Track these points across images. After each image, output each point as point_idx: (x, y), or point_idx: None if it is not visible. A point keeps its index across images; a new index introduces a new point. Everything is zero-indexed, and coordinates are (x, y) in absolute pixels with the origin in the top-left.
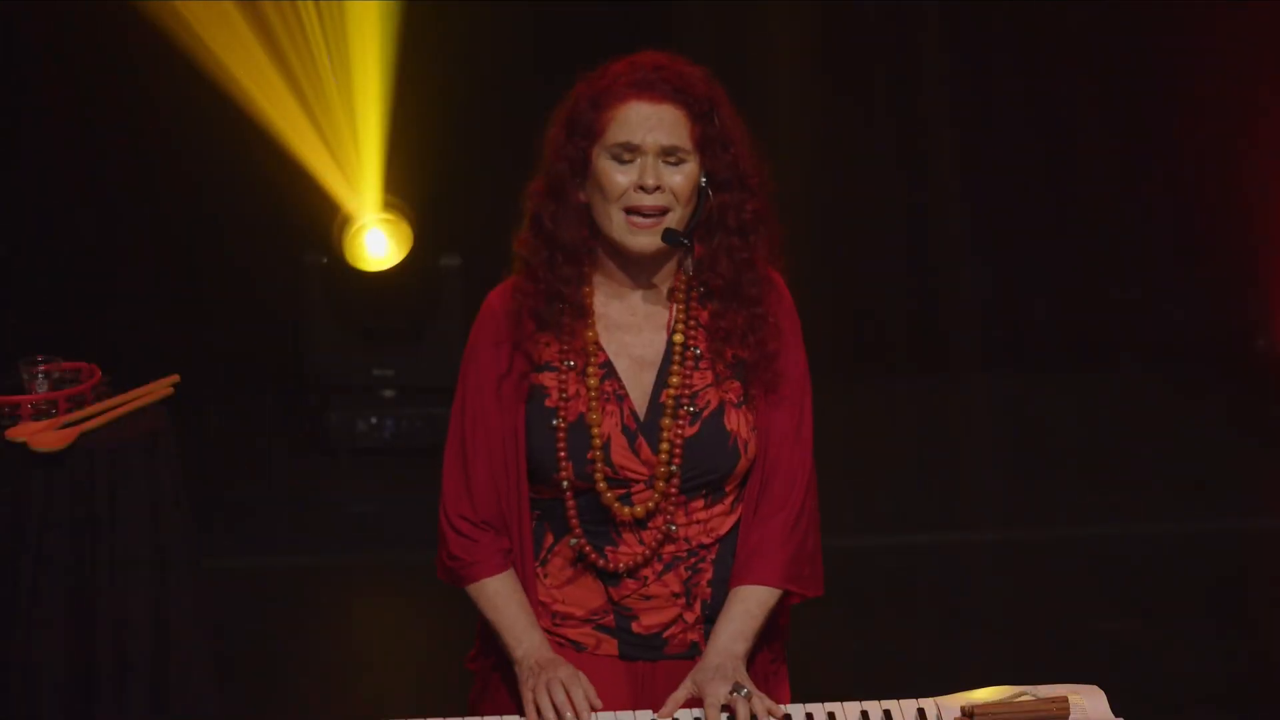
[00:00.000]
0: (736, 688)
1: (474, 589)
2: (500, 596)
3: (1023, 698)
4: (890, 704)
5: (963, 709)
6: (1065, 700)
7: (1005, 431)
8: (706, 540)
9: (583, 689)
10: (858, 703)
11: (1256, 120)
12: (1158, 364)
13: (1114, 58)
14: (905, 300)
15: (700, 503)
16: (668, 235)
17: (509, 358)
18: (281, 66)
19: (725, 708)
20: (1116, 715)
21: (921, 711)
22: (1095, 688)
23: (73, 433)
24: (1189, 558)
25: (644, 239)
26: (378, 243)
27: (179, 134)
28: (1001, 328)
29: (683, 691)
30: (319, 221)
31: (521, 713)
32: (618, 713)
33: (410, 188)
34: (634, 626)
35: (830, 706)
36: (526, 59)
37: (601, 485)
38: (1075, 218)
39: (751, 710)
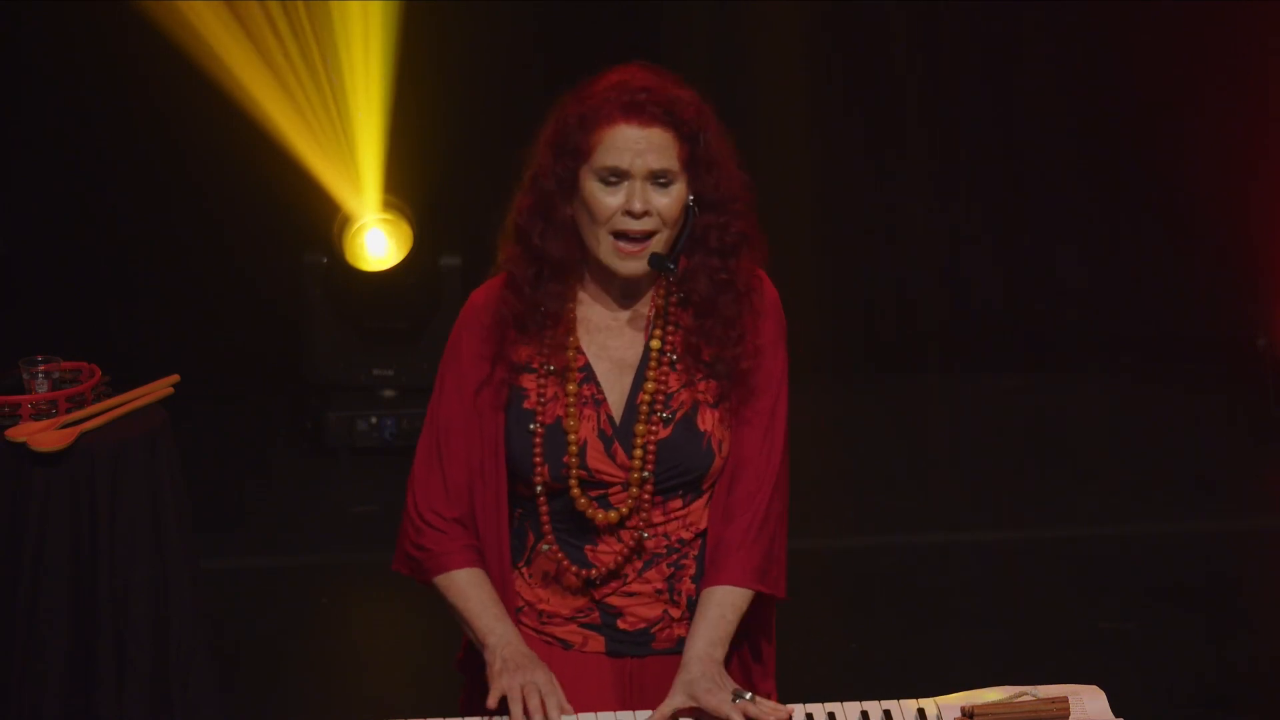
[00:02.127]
0: (736, 695)
1: (442, 579)
2: (470, 586)
3: (1023, 698)
4: (890, 704)
5: (963, 709)
6: (1065, 700)
7: (1004, 431)
8: (687, 535)
9: (557, 698)
10: (858, 703)
11: (1257, 119)
12: (1158, 364)
13: (1115, 57)
14: (905, 300)
15: (678, 501)
16: (654, 260)
17: (491, 364)
18: (281, 66)
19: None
20: (1116, 715)
21: (921, 711)
22: (1095, 688)
23: (73, 433)
24: (1189, 558)
25: (632, 264)
26: (378, 243)
27: (179, 134)
28: (1002, 328)
29: (677, 699)
30: (319, 221)
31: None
32: (611, 714)
33: (410, 188)
34: (619, 623)
35: (830, 706)
36: (527, 59)
37: (575, 491)
38: (1075, 217)
39: (758, 712)
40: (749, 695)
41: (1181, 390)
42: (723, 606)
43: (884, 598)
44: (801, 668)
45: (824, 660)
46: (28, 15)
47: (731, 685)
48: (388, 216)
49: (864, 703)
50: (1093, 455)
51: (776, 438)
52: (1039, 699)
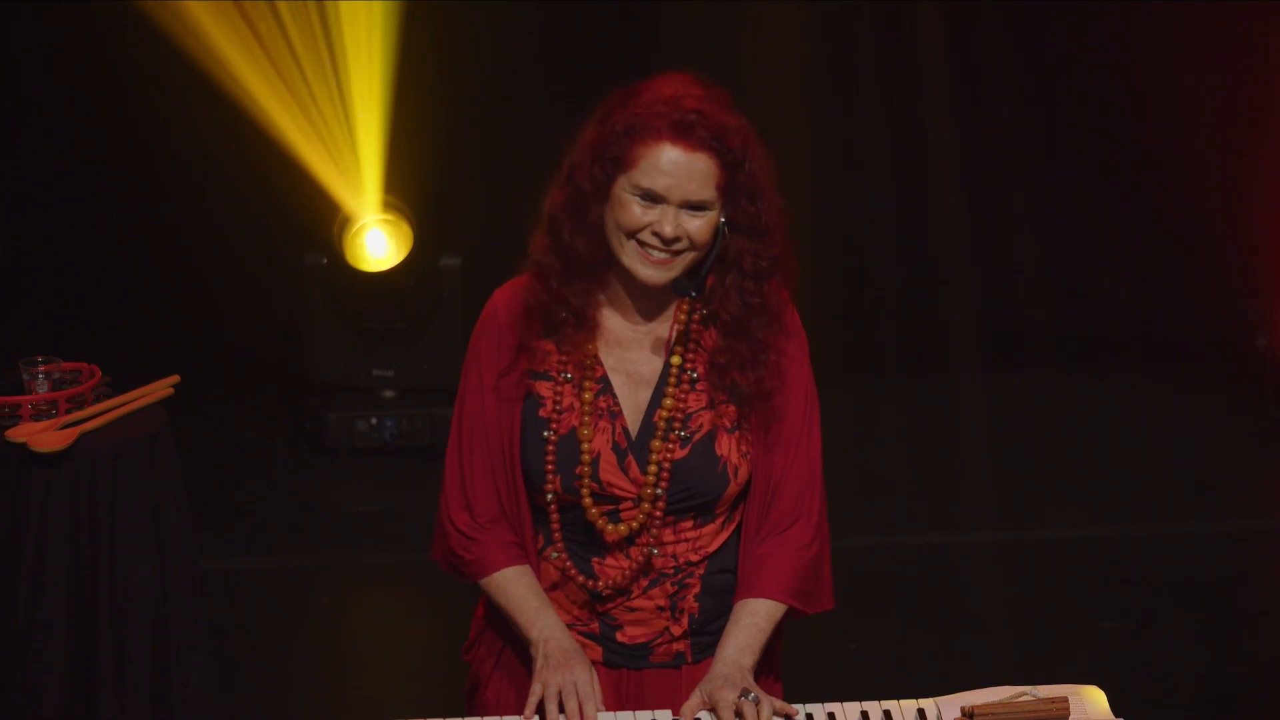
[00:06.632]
0: (745, 693)
1: (484, 583)
2: (509, 583)
3: (1023, 698)
4: (890, 704)
5: (963, 709)
6: (1065, 700)
7: (1004, 432)
8: (694, 558)
9: (595, 700)
10: (858, 703)
11: (1257, 119)
12: (1158, 364)
13: (1114, 56)
14: (903, 300)
15: (689, 522)
16: (677, 284)
17: (512, 355)
18: (281, 66)
19: (737, 713)
20: (1116, 715)
21: (921, 712)
22: (1095, 688)
23: (73, 433)
24: (1189, 558)
25: (654, 272)
26: (378, 243)
27: (179, 134)
28: (1000, 328)
29: (695, 700)
30: (319, 221)
31: (519, 704)
32: (618, 713)
33: (410, 188)
34: (619, 636)
35: (830, 706)
36: (527, 59)
37: (587, 501)
38: (1075, 217)
39: (760, 714)
40: (754, 696)
41: (1181, 390)
42: (756, 615)
43: (884, 598)
44: (801, 668)
45: (824, 660)
46: (27, 15)
47: (744, 685)
48: (388, 216)
49: (864, 703)
50: (1093, 455)
51: (815, 454)
52: (1039, 699)
